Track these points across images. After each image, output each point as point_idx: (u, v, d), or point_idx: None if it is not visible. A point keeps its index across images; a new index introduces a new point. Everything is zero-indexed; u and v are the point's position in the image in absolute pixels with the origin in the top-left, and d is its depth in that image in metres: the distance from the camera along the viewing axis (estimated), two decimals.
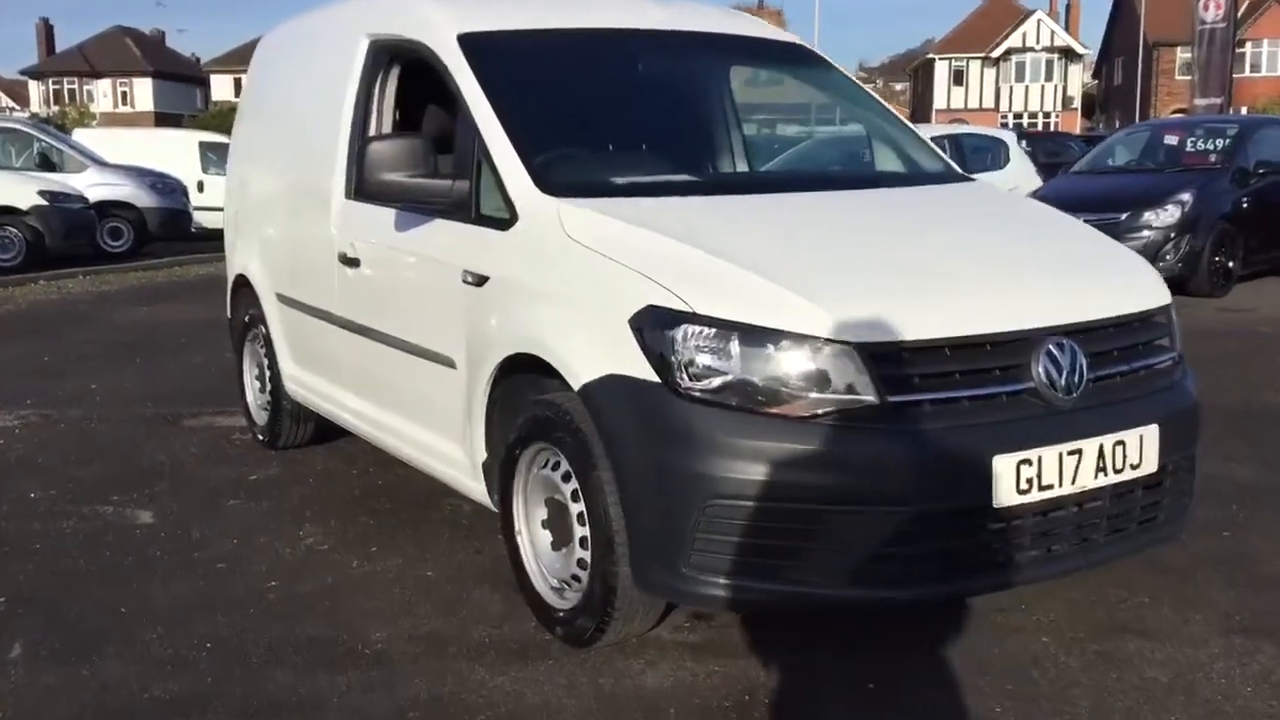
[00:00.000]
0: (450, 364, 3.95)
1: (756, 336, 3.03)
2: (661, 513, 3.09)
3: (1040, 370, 3.15)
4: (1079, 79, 57.09)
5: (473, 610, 3.86)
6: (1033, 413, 3.12)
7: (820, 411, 2.99)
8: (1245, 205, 11.11)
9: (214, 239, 17.32)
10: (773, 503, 2.99)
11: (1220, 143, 11.57)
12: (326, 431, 5.74)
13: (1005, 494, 3.04)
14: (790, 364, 3.01)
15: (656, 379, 3.10)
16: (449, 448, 4.06)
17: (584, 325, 3.31)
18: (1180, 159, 11.76)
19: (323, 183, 4.90)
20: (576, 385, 3.28)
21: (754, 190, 3.91)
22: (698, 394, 3.05)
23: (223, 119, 42.19)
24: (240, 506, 5.04)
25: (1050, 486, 3.09)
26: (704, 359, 3.05)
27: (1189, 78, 24.84)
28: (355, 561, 4.35)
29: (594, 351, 3.26)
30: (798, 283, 3.12)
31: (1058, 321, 3.22)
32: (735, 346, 3.04)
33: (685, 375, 3.06)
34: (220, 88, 60.40)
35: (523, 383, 3.70)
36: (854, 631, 3.55)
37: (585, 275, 3.36)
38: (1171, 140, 12.00)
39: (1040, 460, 3.07)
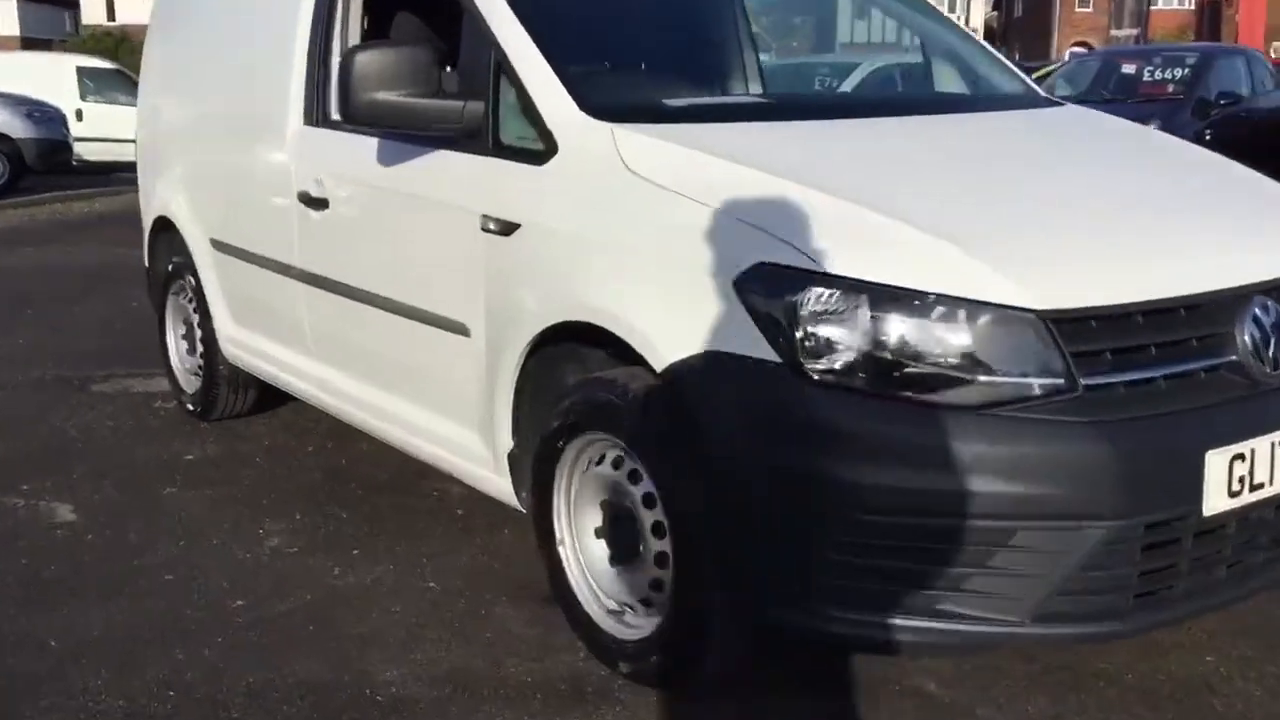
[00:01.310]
0: (462, 331, 3.18)
1: (912, 304, 2.34)
2: (785, 530, 2.41)
3: (1245, 338, 2.51)
4: (981, 10, 56.91)
5: (498, 635, 3.13)
6: (1237, 393, 2.49)
7: (996, 400, 2.32)
8: (1208, 138, 10.70)
9: (97, 174, 16.34)
10: (936, 519, 2.32)
11: (1179, 72, 11.15)
12: (268, 398, 4.92)
13: (1216, 498, 2.41)
14: (957, 339, 2.33)
15: (775, 358, 2.39)
16: (460, 433, 3.31)
17: (665, 288, 2.58)
18: (1137, 89, 11.31)
19: (272, 107, 4.05)
20: (659, 364, 2.56)
21: (837, 115, 3.21)
22: (833, 378, 2.35)
23: (96, 44, 39.79)
24: (180, 496, 4.22)
25: (1261, 486, 2.47)
26: (839, 333, 2.35)
27: (1088, 10, 24.62)
28: (336, 569, 3.58)
29: (682, 322, 2.53)
30: (955, 232, 2.43)
31: (1262, 277, 2.58)
32: (883, 317, 2.34)
33: (814, 354, 2.36)
34: (91, 10, 57.19)
35: (561, 356, 2.97)
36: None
37: (663, 223, 2.62)
38: (1129, 69, 11.53)
39: (1253, 454, 2.44)
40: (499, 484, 3.22)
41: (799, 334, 2.37)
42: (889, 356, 2.33)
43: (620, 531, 2.82)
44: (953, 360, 2.32)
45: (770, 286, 2.40)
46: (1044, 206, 2.67)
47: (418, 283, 3.34)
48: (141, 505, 4.13)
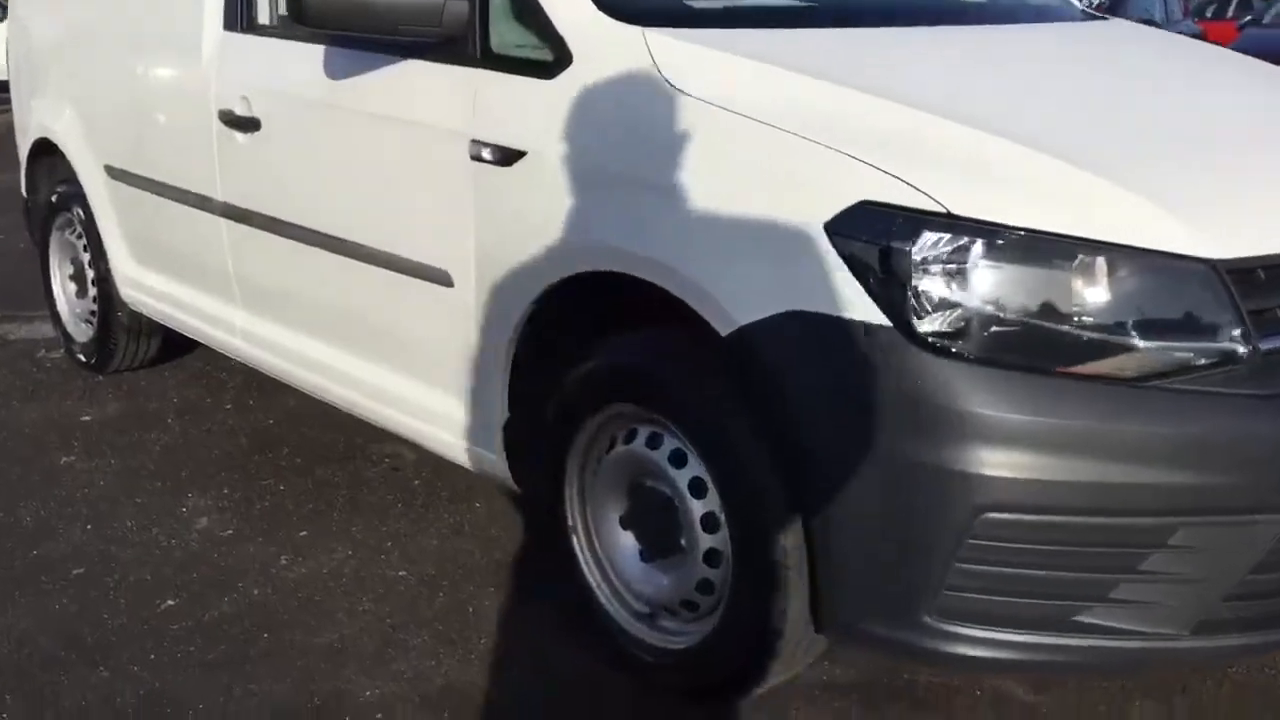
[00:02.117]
0: (443, 281, 2.65)
1: (1055, 252, 1.90)
2: (894, 531, 1.96)
3: None
4: None
5: (492, 638, 2.65)
6: None
7: (1158, 370, 1.90)
8: None
9: None
10: (1080, 517, 1.90)
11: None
12: (174, 346, 4.31)
13: None
14: (1112, 296, 1.89)
15: (881, 320, 1.93)
16: (437, 400, 2.79)
17: (732, 232, 2.08)
18: None
19: (183, 9, 3.41)
20: (725, 325, 2.07)
21: (897, 21, 2.70)
22: (956, 346, 1.90)
23: None
24: (81, 468, 3.60)
25: None
26: (964, 289, 1.90)
27: None
28: (282, 556, 3.04)
29: (755, 274, 2.05)
30: (1098, 163, 1.98)
31: None
32: (1019, 269, 1.90)
33: (932, 315, 1.90)
34: None
35: (576, 313, 2.47)
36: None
37: (723, 152, 2.13)
38: None
39: None
40: (488, 459, 2.71)
41: (913, 290, 1.91)
42: (1026, 318, 1.89)
43: (654, 522, 2.35)
44: (1106, 322, 1.88)
45: (876, 231, 1.93)
46: (1180, 133, 2.24)
47: (382, 222, 2.78)
48: (35, 480, 3.51)
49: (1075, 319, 1.88)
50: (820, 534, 2.03)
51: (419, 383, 2.83)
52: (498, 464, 2.68)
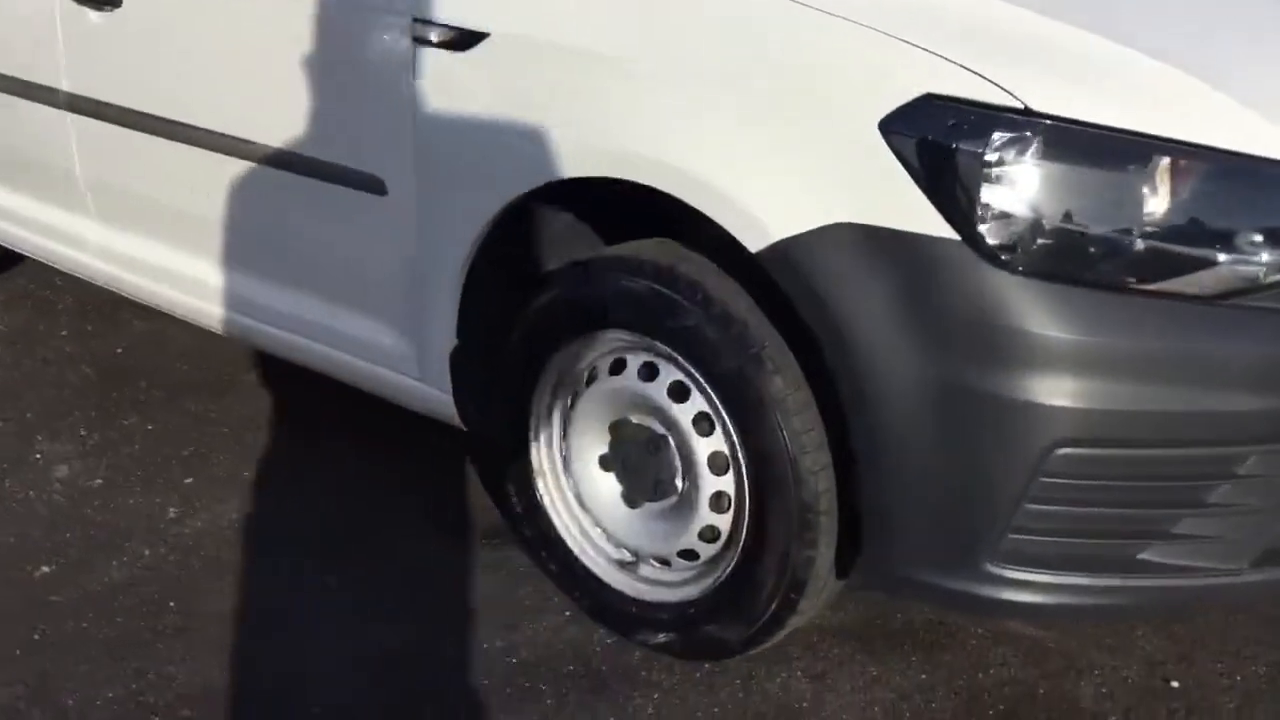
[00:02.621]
0: (373, 188, 2.28)
1: (1140, 154, 1.68)
2: (953, 471, 1.75)
3: None
4: None
5: (447, 600, 2.34)
6: None
7: (1240, 287, 1.72)
8: None
9: None
10: (1159, 449, 1.73)
11: None
12: None
13: None
14: (1203, 203, 1.70)
15: (944, 232, 1.69)
16: (368, 329, 2.43)
17: (763, 130, 1.80)
18: None
19: None
20: (759, 239, 1.80)
21: None
22: (1029, 261, 1.68)
23: None
24: None
25: None
26: (1039, 196, 1.68)
27: None
28: (171, 509, 2.65)
29: (791, 178, 1.78)
30: (1189, 62, 1.77)
31: None
32: (1100, 175, 1.68)
33: (1003, 227, 1.68)
34: None
35: (545, 226, 2.17)
36: None
37: (754, 35, 1.83)
38: None
39: None
40: (429, 396, 2.37)
41: (982, 197, 1.67)
42: (1107, 230, 1.68)
43: (641, 463, 2.08)
44: (1200, 235, 1.69)
45: (941, 129, 1.68)
46: (1272, 39, 2.03)
47: (291, 117, 2.36)
48: None
49: (1157, 229, 1.69)
50: (868, 476, 1.80)
51: (342, 308, 2.45)
52: (442, 400, 2.35)
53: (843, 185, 1.74)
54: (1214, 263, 1.71)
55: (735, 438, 1.93)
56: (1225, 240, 1.71)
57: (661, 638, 2.12)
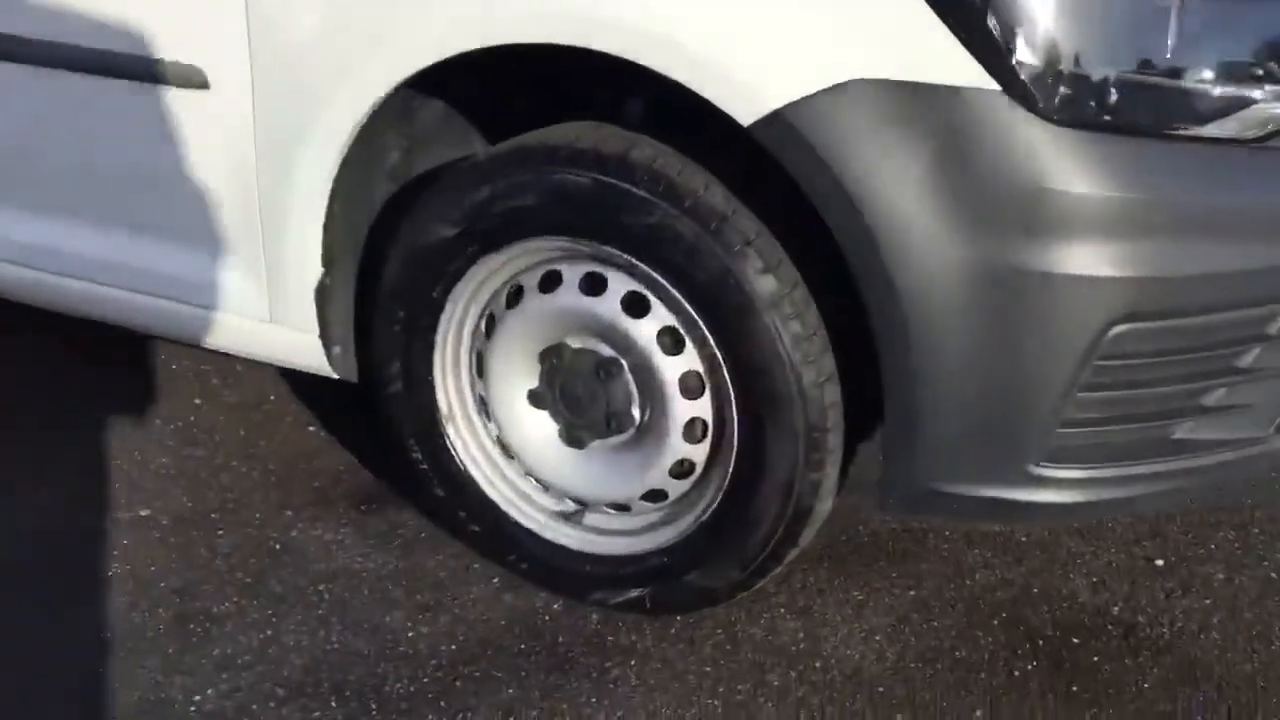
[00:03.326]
0: (194, 82, 1.79)
1: None
2: (996, 364, 1.50)
3: None
4: None
5: (349, 588, 1.93)
6: None
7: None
8: None
9: None
10: (1205, 315, 1.54)
11: None
12: None
13: None
14: (1243, 37, 1.50)
15: (979, 79, 1.42)
16: (195, 267, 1.94)
17: None
18: None
19: None
20: (753, 111, 1.47)
21: None
22: (1076, 111, 1.43)
23: None
24: None
25: None
26: (1089, 36, 1.43)
27: None
28: None
29: (794, 35, 1.45)
30: None
31: None
32: (1149, 7, 1.45)
33: (1048, 72, 1.42)
34: None
35: (431, 120, 1.77)
36: None
37: None
38: None
39: None
40: (281, 339, 1.93)
41: (1025, 39, 1.41)
42: (1150, 74, 1.45)
43: (589, 395, 1.74)
44: (1239, 70, 1.49)
45: None
46: None
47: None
48: None
49: (1204, 67, 1.47)
50: (894, 379, 1.53)
51: (158, 243, 1.95)
52: (301, 344, 1.91)
53: (857, 35, 1.43)
54: (1250, 103, 1.51)
55: (717, 353, 1.62)
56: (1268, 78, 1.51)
57: (628, 594, 1.80)
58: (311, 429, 2.35)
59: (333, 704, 1.67)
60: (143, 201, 1.94)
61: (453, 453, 1.85)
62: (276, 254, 1.85)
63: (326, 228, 1.80)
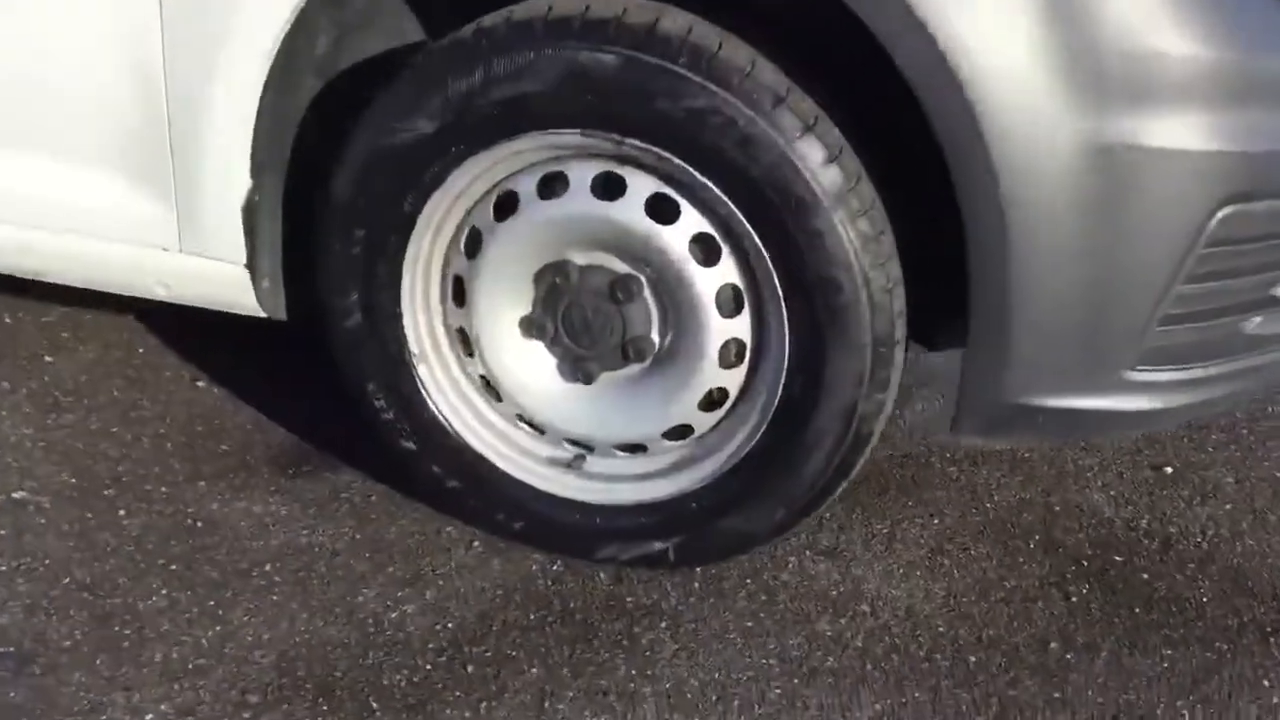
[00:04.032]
0: None
1: None
2: (1093, 258, 1.32)
3: None
4: None
5: (323, 571, 1.62)
6: None
7: None
8: None
9: None
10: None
11: None
12: None
13: None
14: None
15: None
16: (77, 185, 1.57)
17: None
18: None
19: None
20: None
21: None
22: None
23: None
24: None
25: None
26: None
27: None
28: None
29: None
30: None
31: None
32: None
33: None
34: None
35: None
36: None
37: None
38: None
39: None
40: (198, 270, 1.59)
41: None
42: None
43: (600, 319, 1.48)
44: None
45: None
46: None
47: None
48: None
49: None
50: (985, 279, 1.33)
51: (23, 157, 1.56)
52: (218, 276, 1.57)
53: None
54: None
55: (766, 261, 1.38)
56: None
57: (648, 548, 1.56)
58: (201, 384, 1.99)
59: (323, 706, 1.37)
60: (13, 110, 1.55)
61: (426, 397, 1.56)
62: (190, 165, 1.51)
63: (256, 129, 1.47)
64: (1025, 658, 1.50)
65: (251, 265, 1.56)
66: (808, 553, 1.66)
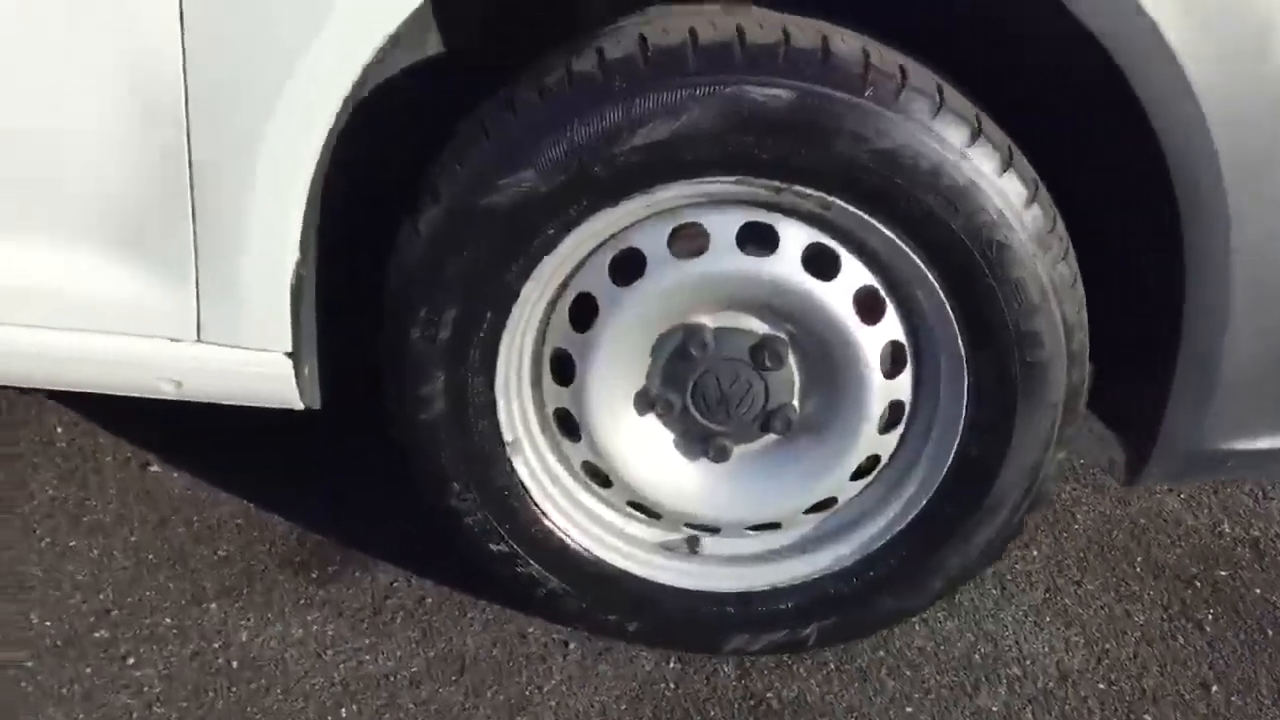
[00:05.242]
0: None
1: None
2: None
3: None
4: None
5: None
6: None
7: None
8: None
9: None
10: None
11: None
12: None
13: None
14: None
15: None
16: (73, 271, 1.23)
17: None
18: None
19: None
20: None
21: None
22: None
23: None
24: None
25: None
26: None
27: None
28: None
29: None
30: None
31: None
32: None
33: None
34: None
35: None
36: None
37: None
38: None
39: None
40: (222, 362, 1.28)
41: None
42: None
43: (733, 390, 1.27)
44: None
45: None
46: None
47: None
48: None
49: None
50: (1199, 311, 1.20)
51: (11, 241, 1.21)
52: (261, 368, 1.27)
53: None
54: None
55: (949, 314, 1.21)
56: None
57: (788, 635, 1.37)
58: (154, 468, 1.67)
59: None
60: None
61: (523, 490, 1.31)
62: (219, 242, 1.20)
63: (310, 198, 1.18)
64: (1195, 706, 1.41)
65: (295, 353, 1.27)
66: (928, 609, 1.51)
